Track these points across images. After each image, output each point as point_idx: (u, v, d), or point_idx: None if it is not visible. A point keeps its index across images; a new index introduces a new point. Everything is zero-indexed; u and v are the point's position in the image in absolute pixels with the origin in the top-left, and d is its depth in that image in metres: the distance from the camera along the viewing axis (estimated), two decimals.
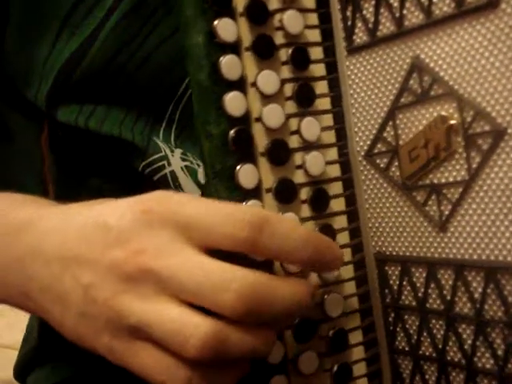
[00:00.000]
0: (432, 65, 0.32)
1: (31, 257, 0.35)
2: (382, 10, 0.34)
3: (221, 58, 0.34)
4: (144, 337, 0.32)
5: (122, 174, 0.46)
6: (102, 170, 0.46)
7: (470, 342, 0.32)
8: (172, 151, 0.44)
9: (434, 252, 0.33)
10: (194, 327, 0.30)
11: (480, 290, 0.31)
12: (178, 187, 0.45)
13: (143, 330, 0.32)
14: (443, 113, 0.32)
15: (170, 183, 0.44)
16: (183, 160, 0.45)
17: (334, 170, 0.36)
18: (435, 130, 0.32)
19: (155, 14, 0.43)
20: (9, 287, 0.36)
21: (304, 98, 0.35)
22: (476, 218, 0.31)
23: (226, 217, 0.31)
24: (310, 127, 0.35)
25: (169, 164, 0.44)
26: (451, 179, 0.32)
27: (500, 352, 0.31)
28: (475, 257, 0.31)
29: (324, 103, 0.36)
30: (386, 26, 0.34)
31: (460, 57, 0.31)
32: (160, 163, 0.44)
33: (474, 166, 0.31)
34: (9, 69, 0.45)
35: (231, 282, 0.30)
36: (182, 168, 0.44)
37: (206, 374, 0.32)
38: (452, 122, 0.31)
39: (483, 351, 0.32)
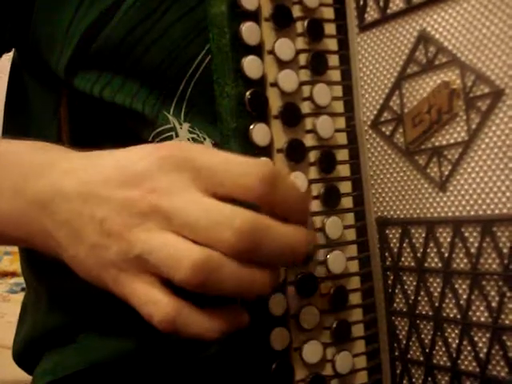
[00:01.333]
0: (437, 36, 0.35)
1: (52, 194, 0.37)
2: None
3: (241, 25, 0.37)
4: (145, 268, 0.34)
5: (132, 144, 0.49)
6: (114, 140, 0.48)
7: (465, 296, 0.34)
8: (180, 124, 0.47)
9: (433, 212, 0.35)
10: (187, 251, 0.33)
11: (476, 244, 0.33)
12: None
13: (145, 259, 0.34)
14: (446, 79, 0.34)
15: None
16: (190, 133, 0.47)
17: (341, 138, 0.39)
18: (438, 95, 0.34)
19: None
20: (30, 225, 0.38)
21: (317, 67, 0.38)
22: (474, 175, 0.33)
23: (242, 168, 0.34)
24: (322, 93, 0.38)
25: (176, 135, 0.47)
26: (452, 141, 0.34)
27: (494, 304, 0.32)
28: (472, 213, 0.33)
29: (335, 75, 0.39)
30: (396, 4, 0.37)
31: (463, 27, 0.33)
32: (168, 134, 0.47)
33: (474, 126, 0.33)
34: (35, 36, 0.48)
35: (231, 219, 0.33)
36: (188, 139, 0.47)
37: (193, 312, 0.34)
38: (454, 86, 0.34)
39: (478, 304, 0.33)
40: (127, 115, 0.47)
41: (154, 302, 0.33)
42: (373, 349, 0.39)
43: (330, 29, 0.39)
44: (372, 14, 0.38)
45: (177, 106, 0.48)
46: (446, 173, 0.34)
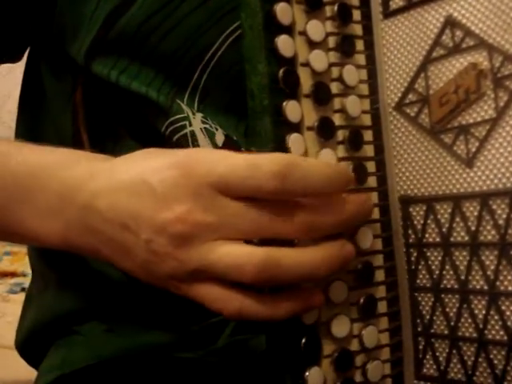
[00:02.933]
0: (464, 21, 0.37)
1: (89, 215, 0.39)
2: None
3: (275, 5, 0.38)
4: (205, 276, 0.37)
5: (146, 132, 0.49)
6: (129, 127, 0.48)
7: (493, 267, 0.35)
8: (193, 114, 0.48)
9: (459, 188, 0.37)
10: (245, 257, 0.35)
11: (504, 216, 0.34)
12: (196, 147, 0.48)
13: (205, 271, 0.37)
14: (473, 60, 0.36)
15: (189, 142, 0.48)
16: (203, 123, 0.48)
17: (366, 120, 0.40)
18: (466, 76, 0.36)
19: None
20: (74, 242, 0.40)
21: (346, 49, 0.39)
22: (502, 150, 0.35)
23: (251, 170, 0.36)
24: (350, 74, 0.39)
25: (190, 124, 0.48)
26: (479, 119, 0.36)
27: None
28: (500, 186, 0.35)
29: (360, 59, 0.40)
30: None
31: (490, 12, 0.35)
32: (182, 123, 0.48)
33: (502, 104, 0.35)
34: (59, 26, 0.48)
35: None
36: (201, 129, 0.48)
37: (257, 301, 0.36)
38: (482, 67, 0.36)
39: (506, 274, 0.35)
40: (142, 103, 0.47)
41: (220, 299, 0.37)
42: (395, 326, 0.39)
43: (356, 15, 0.41)
44: (397, 2, 0.40)
45: (190, 96, 0.48)
46: (473, 149, 0.36)
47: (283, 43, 0.38)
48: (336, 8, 0.39)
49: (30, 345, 0.53)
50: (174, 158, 0.38)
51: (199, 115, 0.48)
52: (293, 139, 0.37)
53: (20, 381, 0.60)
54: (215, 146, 0.49)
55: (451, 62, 0.37)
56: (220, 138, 0.48)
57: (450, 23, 0.37)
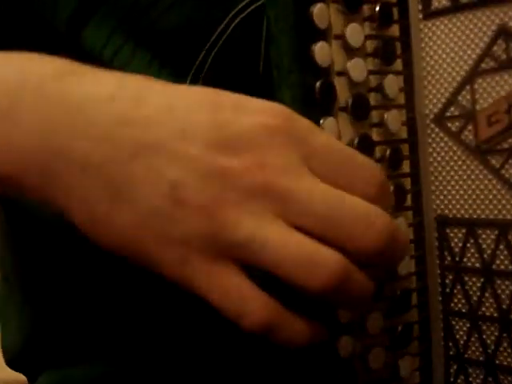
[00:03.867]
0: None
1: (83, 109, 0.29)
2: None
3: (312, 7, 0.33)
4: (239, 260, 0.28)
5: None
6: None
7: None
8: None
9: (506, 214, 0.34)
10: (322, 256, 0.28)
11: None
12: None
13: (248, 249, 0.28)
14: None
15: None
16: None
17: (403, 132, 0.37)
18: None
19: None
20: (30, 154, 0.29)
21: (387, 56, 0.35)
22: None
23: (360, 160, 0.30)
24: (392, 85, 0.35)
25: None
26: None
27: None
28: None
29: (397, 65, 0.36)
30: None
31: None
32: None
33: None
34: None
35: (376, 217, 0.29)
36: None
37: (290, 317, 0.30)
38: None
39: None
40: None
41: (247, 300, 0.28)
42: (425, 348, 0.38)
43: (393, 13, 0.36)
44: (440, 1, 0.36)
45: (193, 80, 0.42)
46: None
47: (320, 51, 0.33)
48: (378, 9, 0.35)
49: (24, 359, 0.48)
50: (259, 104, 0.29)
51: None
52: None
53: (20, 381, 0.57)
54: None
55: (503, 76, 0.34)
56: None
57: (504, 33, 0.34)
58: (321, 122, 0.33)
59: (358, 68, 0.34)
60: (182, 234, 0.28)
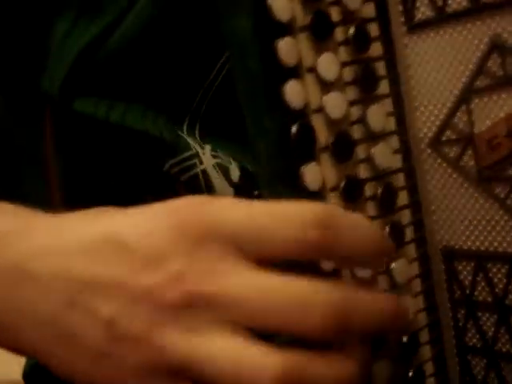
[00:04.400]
0: None
1: (20, 282, 0.29)
2: None
3: (278, 41, 0.29)
4: (187, 376, 0.27)
5: (143, 174, 0.41)
6: (120, 170, 0.40)
7: None
8: (202, 148, 0.39)
9: None
10: (264, 360, 0.26)
11: None
12: (209, 187, 0.40)
13: (190, 369, 0.27)
14: None
15: (201, 183, 0.40)
16: (214, 157, 0.40)
17: (396, 160, 0.33)
18: None
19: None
20: None
21: (367, 83, 0.31)
22: None
23: (284, 218, 0.27)
24: (377, 116, 0.31)
25: (201, 162, 0.39)
26: None
27: None
28: None
29: (383, 87, 0.33)
30: (457, 1, 0.31)
31: None
32: (190, 162, 0.39)
33: None
34: (21, 53, 0.39)
35: (315, 299, 0.26)
36: (213, 166, 0.39)
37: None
38: None
39: None
40: (142, 141, 0.39)
41: None
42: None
43: (373, 30, 0.32)
44: (423, 11, 0.31)
45: (190, 125, 0.40)
46: None
47: (292, 91, 0.30)
48: (352, 32, 0.31)
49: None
50: (159, 209, 0.28)
51: (208, 148, 0.40)
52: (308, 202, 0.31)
53: (20, 380, 0.58)
54: (230, 183, 0.42)
55: (501, 95, 0.30)
56: (235, 172, 0.40)
57: (498, 46, 0.30)
58: (302, 169, 0.30)
59: (335, 103, 0.31)
60: (131, 367, 0.28)
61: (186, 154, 0.40)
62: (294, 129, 0.30)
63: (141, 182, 0.41)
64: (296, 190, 0.30)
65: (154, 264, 0.27)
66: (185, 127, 0.40)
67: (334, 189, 0.31)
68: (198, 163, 0.40)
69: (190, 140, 0.40)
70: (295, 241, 0.27)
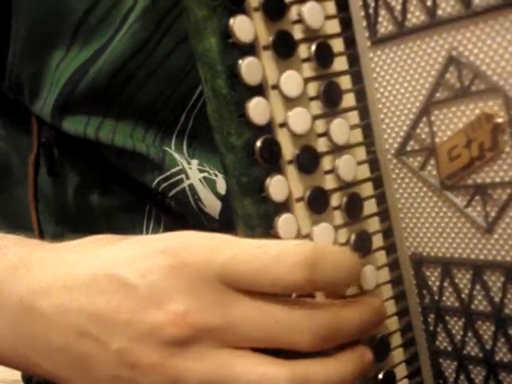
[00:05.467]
0: (472, 58, 0.30)
1: (27, 318, 0.31)
2: None
3: (240, 61, 0.31)
4: None
5: (131, 192, 0.43)
6: (107, 187, 0.42)
7: None
8: (189, 163, 0.41)
9: (478, 254, 0.32)
10: (269, 376, 0.29)
11: None
12: (197, 200, 0.42)
13: None
14: (487, 110, 0.30)
15: (188, 197, 0.41)
16: (201, 171, 0.41)
17: (364, 171, 0.34)
18: (479, 128, 0.30)
19: (167, 17, 0.39)
20: (6, 351, 0.32)
21: (331, 98, 0.32)
22: None
23: (274, 260, 0.29)
24: (340, 129, 0.33)
25: (187, 177, 0.41)
26: (498, 180, 0.30)
27: None
28: None
29: (348, 100, 0.34)
30: (416, 16, 0.31)
31: (506, 51, 0.29)
32: (178, 177, 0.41)
33: None
34: (17, 77, 0.41)
35: (303, 325, 0.29)
36: (200, 180, 0.41)
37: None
38: (498, 120, 0.29)
39: None
40: (130, 159, 0.41)
41: None
42: None
43: (338, 45, 0.33)
44: (386, 26, 0.32)
45: (177, 141, 0.42)
46: (493, 214, 0.31)
47: (256, 108, 0.31)
48: (314, 49, 0.32)
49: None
50: (151, 246, 0.30)
51: (195, 162, 0.42)
52: (283, 221, 0.32)
53: (20, 381, 0.60)
54: (217, 195, 0.43)
55: (459, 107, 0.31)
56: (221, 185, 0.42)
57: (455, 59, 0.30)
58: (267, 181, 0.32)
59: (300, 118, 0.32)
60: None
61: (173, 170, 0.41)
62: (258, 144, 0.31)
63: (130, 200, 0.42)
64: (262, 201, 0.32)
65: (157, 303, 0.29)
66: (172, 143, 0.41)
67: (299, 200, 0.32)
68: (184, 178, 0.42)
69: (176, 155, 0.42)
70: (284, 281, 0.29)
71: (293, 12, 0.32)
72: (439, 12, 0.30)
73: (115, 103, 0.41)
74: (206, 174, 0.42)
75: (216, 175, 0.42)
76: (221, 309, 0.29)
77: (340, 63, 0.33)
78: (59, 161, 0.42)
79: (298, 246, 0.29)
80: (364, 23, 0.33)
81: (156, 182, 0.41)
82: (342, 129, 0.33)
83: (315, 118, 0.32)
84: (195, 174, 0.41)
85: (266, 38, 0.31)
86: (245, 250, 0.29)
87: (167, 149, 0.42)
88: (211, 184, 0.42)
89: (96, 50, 0.39)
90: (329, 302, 0.31)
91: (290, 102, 0.32)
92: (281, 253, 0.29)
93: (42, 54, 0.40)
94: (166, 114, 0.41)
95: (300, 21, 0.32)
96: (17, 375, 0.56)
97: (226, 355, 0.29)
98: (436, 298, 0.34)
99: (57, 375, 0.31)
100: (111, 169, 0.42)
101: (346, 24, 0.33)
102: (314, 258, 0.29)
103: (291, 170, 0.32)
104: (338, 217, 0.33)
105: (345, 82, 0.34)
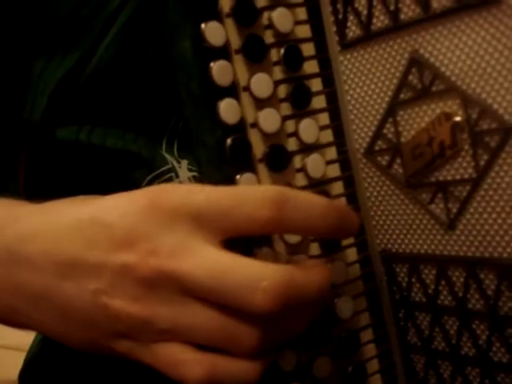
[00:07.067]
0: (432, 60, 0.31)
1: (14, 264, 0.32)
2: (374, 3, 0.33)
3: (211, 64, 0.32)
4: (171, 337, 0.31)
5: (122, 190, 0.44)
6: (99, 188, 0.44)
7: (484, 337, 0.32)
8: (179, 162, 0.42)
9: (442, 250, 0.33)
10: (239, 333, 0.30)
11: (493, 287, 0.31)
12: None
13: (174, 334, 0.30)
14: (447, 109, 0.31)
15: None
16: (190, 171, 0.42)
17: (334, 170, 0.36)
18: (439, 127, 0.31)
19: (153, 25, 0.40)
20: None
21: (300, 100, 0.34)
22: (486, 215, 0.31)
23: (241, 197, 0.30)
24: (309, 129, 0.34)
25: (177, 176, 0.42)
26: (458, 177, 0.31)
27: None
28: (487, 255, 0.31)
29: (319, 101, 0.35)
30: (380, 20, 0.32)
31: (462, 52, 0.30)
32: (167, 175, 0.42)
33: (482, 163, 0.30)
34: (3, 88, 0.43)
35: (260, 280, 0.29)
36: (189, 178, 0.42)
37: (227, 363, 0.31)
38: (457, 118, 0.31)
39: (499, 346, 0.32)
40: (122, 159, 0.42)
41: (184, 363, 0.30)
42: (389, 381, 0.38)
43: (309, 49, 0.35)
44: (354, 30, 0.34)
45: (169, 143, 0.43)
46: (454, 210, 0.32)
47: (226, 109, 0.32)
48: (282, 52, 0.33)
49: (29, 380, 0.52)
50: (136, 193, 0.31)
51: (185, 162, 0.43)
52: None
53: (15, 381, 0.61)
54: None
55: (421, 107, 0.32)
56: None
57: (416, 61, 0.32)
58: (237, 177, 0.33)
59: (269, 118, 0.33)
60: (120, 332, 0.31)
61: (163, 168, 0.42)
62: (228, 142, 0.33)
63: None
64: None
65: (130, 243, 0.30)
66: (163, 145, 0.42)
67: None
68: (174, 177, 0.43)
69: (167, 155, 0.43)
70: (249, 218, 0.29)
71: (264, 18, 0.34)
72: (401, 16, 0.32)
73: (106, 108, 0.42)
74: (195, 174, 0.43)
75: None
76: (182, 254, 0.29)
77: (311, 66, 0.35)
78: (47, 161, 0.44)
79: (268, 187, 0.30)
80: (334, 28, 0.35)
81: (147, 180, 0.42)
82: (311, 128, 0.34)
83: (285, 118, 0.34)
84: (185, 173, 0.43)
85: (237, 42, 0.33)
86: (217, 192, 0.30)
87: (159, 151, 0.43)
88: (201, 183, 0.43)
89: (80, 55, 0.40)
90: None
91: (260, 103, 0.33)
92: (251, 191, 0.30)
93: (24, 61, 0.41)
94: (157, 116, 0.42)
95: (270, 26, 0.34)
96: (14, 375, 0.57)
97: (193, 306, 0.30)
98: (405, 293, 0.35)
99: (41, 322, 0.32)
100: (101, 168, 0.44)
101: (317, 29, 0.35)
102: (282, 197, 0.29)
103: (262, 167, 0.34)
104: None
105: (316, 84, 0.35)
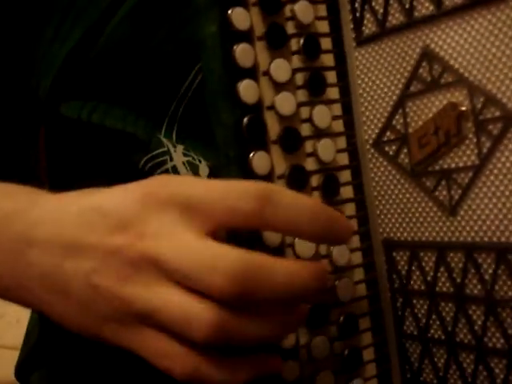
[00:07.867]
0: (442, 54, 0.33)
1: (26, 245, 0.34)
2: (391, 1, 0.35)
3: (235, 46, 0.35)
4: (151, 323, 0.32)
5: (121, 171, 0.46)
6: (100, 167, 0.46)
7: (480, 322, 0.33)
8: (174, 146, 0.44)
9: (443, 236, 0.34)
10: (196, 310, 0.31)
11: (490, 271, 0.32)
12: None
13: (149, 317, 0.32)
14: (453, 100, 0.33)
15: None
16: (185, 155, 0.44)
17: (343, 159, 0.37)
18: (445, 116, 0.33)
19: (167, 6, 0.43)
20: (4, 278, 0.35)
21: (315, 87, 0.36)
22: (487, 201, 0.32)
23: (227, 191, 0.31)
24: (322, 115, 0.36)
25: (171, 159, 0.44)
26: (461, 164, 0.33)
27: (511, 331, 0.32)
28: (486, 239, 0.32)
29: (333, 93, 0.37)
30: (396, 17, 0.35)
31: (470, 46, 0.32)
32: (162, 158, 0.44)
33: (485, 150, 0.32)
34: (13, 61, 0.45)
35: (219, 261, 0.30)
36: (183, 163, 0.44)
37: (213, 363, 0.32)
38: (462, 108, 0.32)
39: (494, 331, 0.33)
40: (119, 139, 0.44)
41: (170, 356, 0.32)
42: (384, 371, 0.38)
43: (326, 43, 0.37)
44: (370, 27, 0.36)
45: (168, 128, 0.45)
46: (456, 197, 0.33)
47: (246, 89, 0.35)
48: (302, 42, 0.36)
49: (25, 375, 0.53)
50: (134, 184, 0.34)
51: (180, 147, 0.45)
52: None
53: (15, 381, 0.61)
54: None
55: (430, 98, 0.34)
56: (204, 170, 0.44)
57: (427, 55, 0.34)
58: (250, 155, 0.35)
59: (285, 102, 0.35)
60: (106, 314, 0.33)
61: (158, 151, 0.44)
62: (245, 120, 0.34)
63: (118, 178, 0.45)
64: (246, 173, 0.35)
65: (122, 227, 0.32)
66: (163, 129, 0.44)
67: (280, 176, 0.35)
68: (168, 160, 0.44)
69: (163, 139, 0.45)
70: (231, 211, 0.31)
71: (287, 10, 0.36)
72: (415, 13, 0.34)
73: (110, 88, 0.44)
74: (190, 159, 0.44)
75: (200, 161, 0.44)
76: (164, 239, 0.31)
77: (327, 59, 0.37)
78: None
79: (255, 183, 0.32)
80: (351, 25, 0.37)
81: (144, 160, 0.44)
82: (324, 114, 0.36)
83: (300, 104, 0.36)
84: (179, 157, 0.44)
85: (260, 29, 0.35)
86: (208, 185, 0.32)
87: (157, 134, 0.45)
88: (194, 169, 0.44)
89: (88, 27, 0.42)
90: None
91: (278, 87, 0.35)
92: (238, 186, 0.31)
93: (35, 31, 0.43)
94: (157, 103, 0.44)
95: (293, 17, 0.36)
96: (12, 375, 0.57)
97: (165, 288, 0.31)
98: (404, 281, 0.36)
99: (46, 300, 0.34)
100: (101, 149, 0.45)
101: (335, 26, 0.37)
102: (267, 192, 0.31)
103: (275, 148, 0.35)
104: (316, 196, 0.36)
105: (331, 77, 0.37)
